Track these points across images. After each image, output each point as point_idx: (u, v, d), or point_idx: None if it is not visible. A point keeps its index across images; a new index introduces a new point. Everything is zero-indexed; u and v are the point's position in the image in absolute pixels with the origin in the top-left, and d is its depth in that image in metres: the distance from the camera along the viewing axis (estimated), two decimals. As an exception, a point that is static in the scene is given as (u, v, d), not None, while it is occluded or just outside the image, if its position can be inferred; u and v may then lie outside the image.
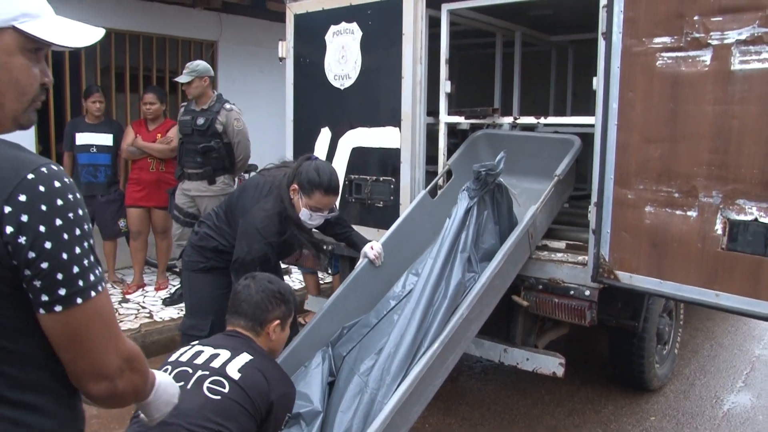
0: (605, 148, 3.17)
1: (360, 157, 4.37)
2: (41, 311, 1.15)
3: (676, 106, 2.91)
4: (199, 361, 2.38)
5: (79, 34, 1.32)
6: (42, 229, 1.12)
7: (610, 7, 3.09)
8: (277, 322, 2.60)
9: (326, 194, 3.22)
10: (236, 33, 8.09)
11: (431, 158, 4.29)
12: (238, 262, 3.20)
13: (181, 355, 2.45)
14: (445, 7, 4.06)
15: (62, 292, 1.15)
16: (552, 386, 4.62)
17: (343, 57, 4.30)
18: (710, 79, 2.81)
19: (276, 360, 2.72)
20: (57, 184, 1.15)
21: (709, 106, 2.81)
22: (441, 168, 4.15)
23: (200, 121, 5.51)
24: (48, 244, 1.13)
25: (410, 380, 2.76)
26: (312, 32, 4.49)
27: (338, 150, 4.47)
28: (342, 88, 4.35)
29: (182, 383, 2.21)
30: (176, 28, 7.53)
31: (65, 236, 1.15)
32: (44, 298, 1.15)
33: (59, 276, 1.14)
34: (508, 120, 4.10)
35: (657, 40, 2.96)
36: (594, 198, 3.27)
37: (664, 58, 2.94)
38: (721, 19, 2.76)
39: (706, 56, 2.81)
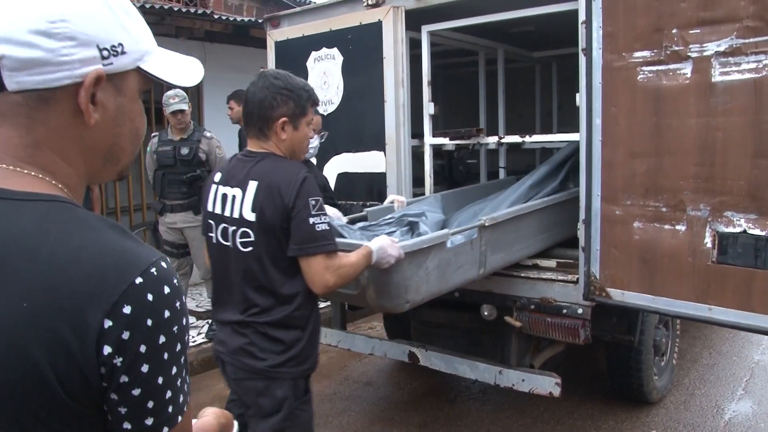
0: (591, 164, 3.14)
1: (346, 182, 4.34)
2: None
3: (660, 120, 2.89)
4: (227, 211, 2.39)
5: (184, 68, 1.13)
6: (142, 349, 0.91)
7: (588, 22, 3.08)
8: (284, 119, 2.38)
9: (315, 114, 2.93)
10: (220, 61, 8.08)
11: (418, 180, 4.26)
12: None
13: (215, 204, 2.46)
14: (425, 29, 4.05)
15: (149, 422, 0.95)
16: (551, 404, 4.56)
17: (325, 83, 4.29)
18: (692, 92, 2.79)
19: (297, 161, 2.52)
20: (167, 289, 0.94)
21: (693, 119, 2.79)
22: (428, 190, 4.13)
23: (185, 150, 5.46)
24: (145, 368, 0.93)
25: (520, 207, 3.58)
26: (293, 59, 4.47)
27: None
28: (325, 113, 4.33)
29: (229, 242, 2.38)
30: None
31: (165, 356, 0.95)
32: (126, 426, 0.95)
33: (150, 404, 0.95)
34: (493, 140, 4.08)
35: (637, 54, 2.94)
36: (582, 215, 3.24)
37: (645, 72, 2.93)
38: (699, 31, 2.75)
39: (687, 69, 2.80)
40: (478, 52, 5.06)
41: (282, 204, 2.27)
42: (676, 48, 2.82)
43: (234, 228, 2.36)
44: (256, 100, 2.38)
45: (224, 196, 2.41)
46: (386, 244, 2.53)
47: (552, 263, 3.73)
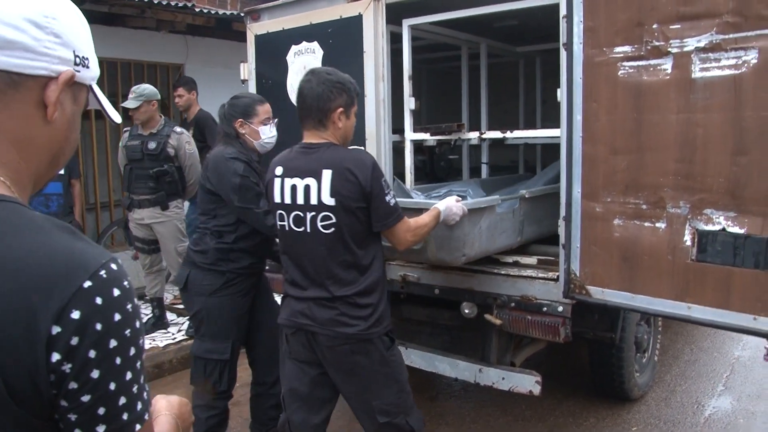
0: (571, 160, 3.11)
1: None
2: None
3: (641, 116, 2.86)
4: (300, 199, 2.69)
5: (109, 105, 1.21)
6: (92, 354, 0.89)
7: (569, 17, 3.04)
8: (341, 109, 2.73)
9: (262, 103, 3.51)
10: (203, 55, 8.01)
11: (399, 176, 4.20)
12: (236, 188, 3.26)
13: (284, 196, 2.76)
14: (407, 23, 4.00)
15: (101, 429, 0.92)
16: (533, 402, 4.55)
17: (305, 77, 4.23)
18: (672, 88, 2.76)
19: (348, 147, 2.87)
20: (116, 292, 0.92)
21: (673, 114, 2.76)
22: (409, 186, 4.07)
23: (152, 145, 5.42)
24: (95, 373, 0.90)
25: (552, 186, 3.90)
26: (273, 53, 4.41)
27: (304, 171, 4.37)
28: (305, 108, 4.26)
29: (302, 228, 2.71)
30: (141, 52, 7.43)
31: (117, 361, 0.92)
32: None
33: (101, 411, 0.91)
34: (474, 135, 4.03)
35: (618, 49, 2.91)
36: (562, 212, 3.20)
37: (626, 67, 2.89)
38: (679, 26, 2.72)
39: (667, 64, 2.77)
40: (460, 47, 5.01)
41: (360, 187, 2.61)
42: (657, 43, 2.79)
43: (312, 213, 2.67)
44: (315, 95, 2.69)
45: (293, 187, 2.72)
46: (452, 204, 3.03)
47: (533, 260, 3.69)
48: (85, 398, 0.90)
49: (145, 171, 5.46)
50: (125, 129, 5.78)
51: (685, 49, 2.71)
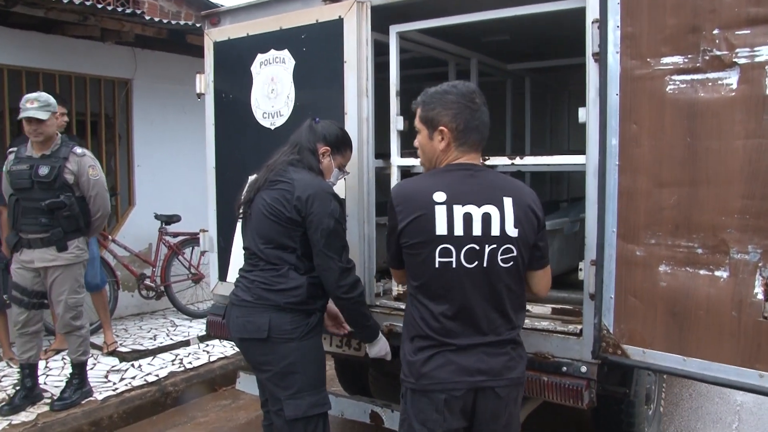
0: (604, 194, 2.58)
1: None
2: None
3: (695, 142, 2.35)
4: (478, 230, 2.26)
5: None
6: None
7: (603, 21, 2.53)
8: None
9: (351, 149, 3.22)
10: (153, 69, 7.35)
11: (381, 206, 3.61)
12: (328, 232, 2.82)
13: (453, 227, 2.25)
14: (394, 30, 3.44)
15: None
16: (531, 465, 3.99)
17: (273, 91, 3.63)
18: (738, 107, 2.26)
19: None
20: None
21: (740, 140, 2.26)
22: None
23: (44, 170, 4.35)
24: None
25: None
26: (235, 63, 3.81)
27: (271, 201, 3.76)
28: (272, 127, 3.65)
29: (475, 264, 2.26)
30: (83, 64, 6.73)
31: None
32: None
33: None
34: (473, 161, 3.47)
35: (666, 60, 2.40)
36: (591, 254, 2.67)
37: (676, 82, 2.38)
38: (748, 32, 2.22)
39: (732, 78, 2.27)
40: (447, 63, 4.48)
41: (537, 222, 2.35)
42: (718, 52, 2.28)
43: (493, 246, 2.27)
44: (487, 118, 2.41)
45: (467, 216, 2.26)
46: None
47: (546, 309, 3.15)
48: None
49: (35, 203, 4.37)
50: (10, 150, 4.69)
51: (757, 59, 2.22)
